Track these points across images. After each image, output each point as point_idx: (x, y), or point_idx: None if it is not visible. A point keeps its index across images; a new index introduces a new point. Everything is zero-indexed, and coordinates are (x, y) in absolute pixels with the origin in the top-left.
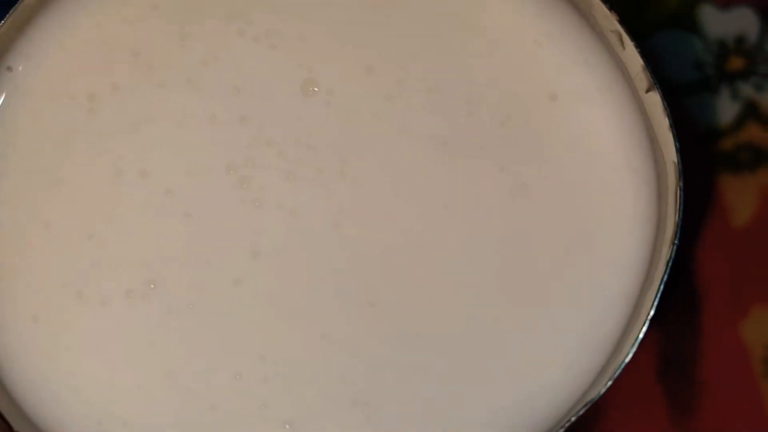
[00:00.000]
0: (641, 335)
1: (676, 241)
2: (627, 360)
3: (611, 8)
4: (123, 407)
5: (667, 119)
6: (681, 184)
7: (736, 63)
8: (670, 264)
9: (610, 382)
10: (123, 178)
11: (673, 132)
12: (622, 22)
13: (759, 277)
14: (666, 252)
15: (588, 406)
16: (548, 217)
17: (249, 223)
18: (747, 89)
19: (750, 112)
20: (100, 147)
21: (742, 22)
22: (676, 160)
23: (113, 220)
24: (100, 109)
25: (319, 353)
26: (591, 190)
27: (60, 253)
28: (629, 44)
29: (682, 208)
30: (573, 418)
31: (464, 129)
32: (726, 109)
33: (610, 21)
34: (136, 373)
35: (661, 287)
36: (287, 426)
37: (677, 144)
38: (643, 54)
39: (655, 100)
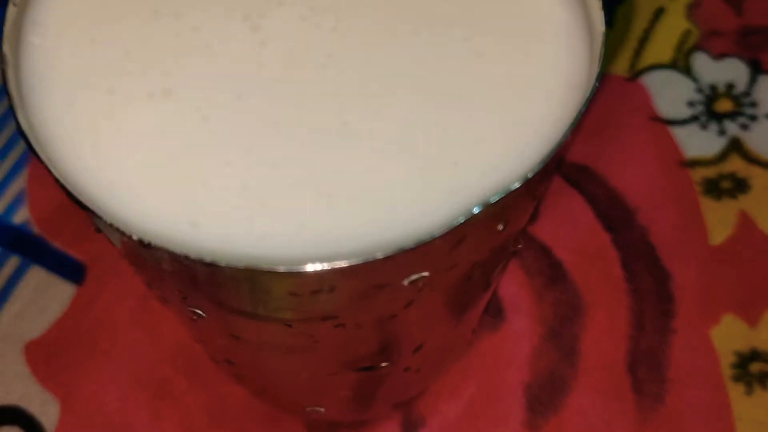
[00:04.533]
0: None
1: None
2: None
3: None
4: (134, 179)
5: (598, 2)
6: (605, 34)
7: (725, 105)
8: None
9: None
10: (159, 18)
11: (603, 11)
12: None
13: (732, 289)
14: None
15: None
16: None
17: (254, 56)
18: (733, 128)
19: (735, 147)
20: None
21: (733, 71)
22: (603, 31)
23: (147, 44)
24: None
25: (296, 155)
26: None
27: (97, 60)
28: None
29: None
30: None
31: None
32: (713, 142)
33: None
34: (148, 156)
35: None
36: (262, 206)
37: (605, 19)
38: None
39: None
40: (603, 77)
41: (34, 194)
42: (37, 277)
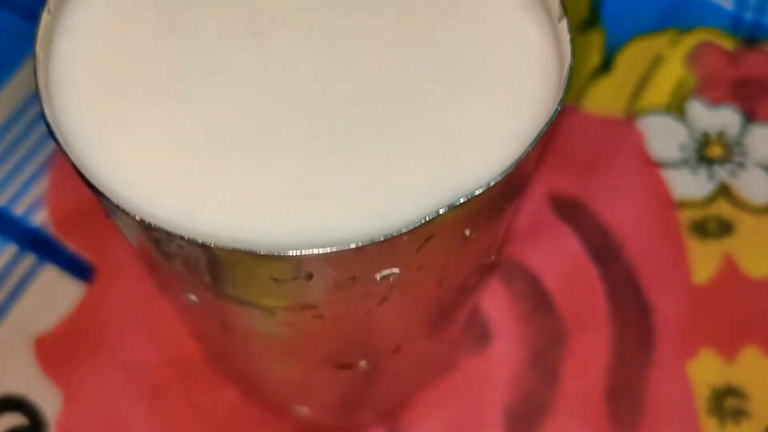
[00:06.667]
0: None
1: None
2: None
3: None
4: (141, 172)
5: (569, 35)
6: (571, 64)
7: (716, 151)
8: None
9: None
10: (175, 30)
11: (572, 45)
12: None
13: (711, 326)
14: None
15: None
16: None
17: (259, 68)
18: (722, 173)
19: (722, 191)
20: (161, 9)
21: (725, 119)
22: (570, 62)
23: (162, 53)
24: None
25: (287, 157)
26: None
27: (116, 65)
28: None
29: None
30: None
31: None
32: (702, 186)
33: None
34: (155, 153)
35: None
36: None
37: (572, 51)
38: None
39: (564, 25)
40: (599, 119)
41: (54, 199)
42: (50, 275)
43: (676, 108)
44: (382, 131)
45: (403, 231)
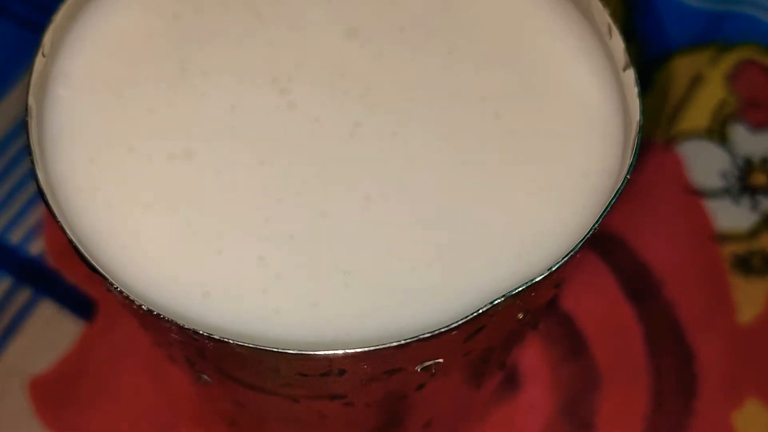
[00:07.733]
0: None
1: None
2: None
3: (604, 5)
4: (147, 243)
5: (636, 88)
6: (640, 122)
7: (760, 179)
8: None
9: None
10: (186, 76)
11: (640, 99)
12: (612, 16)
13: (757, 372)
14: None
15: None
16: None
17: (280, 120)
18: (767, 203)
19: (767, 223)
20: (173, 51)
21: None
22: (639, 119)
23: (172, 102)
24: (182, 23)
25: (315, 228)
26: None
27: (120, 116)
28: (615, 33)
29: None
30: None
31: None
32: (745, 217)
33: (602, 14)
34: (163, 220)
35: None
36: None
37: (642, 107)
38: (624, 40)
39: (630, 75)
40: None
41: (52, 226)
42: (47, 311)
43: (717, 132)
44: (423, 200)
45: (452, 326)
